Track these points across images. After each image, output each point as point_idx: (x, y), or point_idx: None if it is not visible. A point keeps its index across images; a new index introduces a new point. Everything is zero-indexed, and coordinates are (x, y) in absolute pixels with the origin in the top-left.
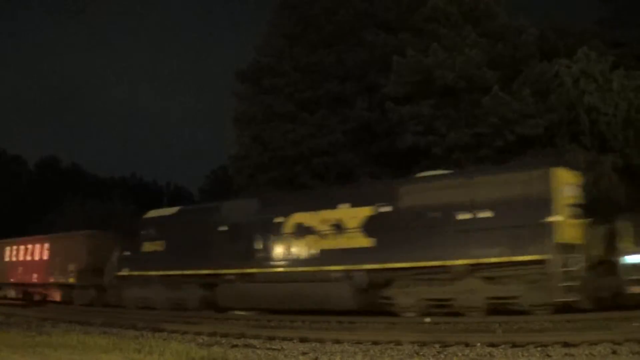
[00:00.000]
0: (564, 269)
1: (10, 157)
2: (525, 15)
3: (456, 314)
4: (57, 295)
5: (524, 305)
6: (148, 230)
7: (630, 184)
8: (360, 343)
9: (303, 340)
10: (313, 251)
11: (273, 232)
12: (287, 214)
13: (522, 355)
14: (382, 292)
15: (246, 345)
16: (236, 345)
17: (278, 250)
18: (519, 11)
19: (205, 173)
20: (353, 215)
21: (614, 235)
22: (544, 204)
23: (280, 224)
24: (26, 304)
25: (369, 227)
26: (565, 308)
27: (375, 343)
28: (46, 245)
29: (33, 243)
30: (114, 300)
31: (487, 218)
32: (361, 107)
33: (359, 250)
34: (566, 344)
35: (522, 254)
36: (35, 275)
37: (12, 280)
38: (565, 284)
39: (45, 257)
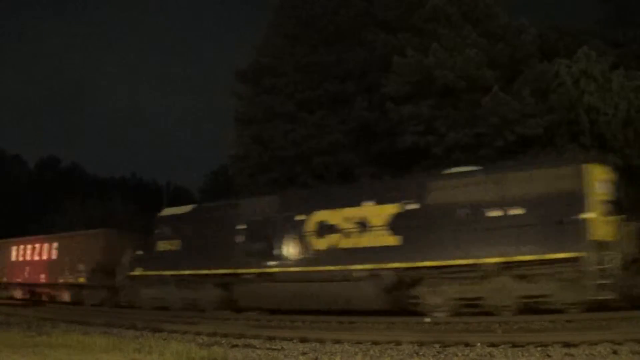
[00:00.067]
0: (599, 267)
1: (10, 157)
2: (525, 15)
3: (484, 313)
4: (65, 296)
5: (556, 304)
6: (162, 228)
7: (630, 184)
8: (360, 343)
9: (303, 340)
10: (336, 250)
11: (294, 230)
12: (308, 211)
13: (522, 355)
14: (409, 291)
15: (246, 345)
16: (236, 345)
17: (299, 249)
18: (519, 11)
19: (205, 173)
20: (378, 212)
21: None
22: (578, 201)
23: (301, 222)
24: (26, 303)
25: (395, 224)
26: (598, 306)
27: (375, 343)
28: (55, 245)
29: (41, 242)
30: (126, 301)
31: (519, 215)
32: (361, 107)
33: (385, 249)
34: (566, 344)
35: (556, 252)
36: (43, 276)
37: (18, 280)
38: (599, 282)
39: (53, 257)
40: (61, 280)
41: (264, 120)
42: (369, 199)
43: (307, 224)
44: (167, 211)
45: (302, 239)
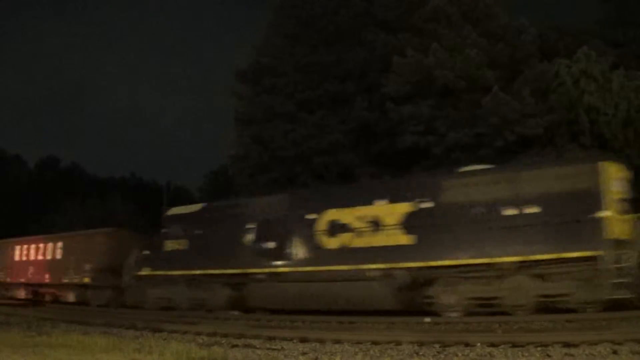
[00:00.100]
0: (616, 266)
1: (10, 157)
2: (525, 15)
3: (499, 313)
4: (70, 296)
5: (574, 303)
6: (170, 228)
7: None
8: (360, 343)
9: (303, 340)
10: (349, 249)
11: (305, 229)
12: (319, 210)
13: (522, 355)
14: (423, 291)
15: (246, 345)
16: (236, 345)
17: (311, 248)
18: (519, 11)
19: (205, 173)
20: (391, 211)
21: None
22: (594, 199)
23: (312, 220)
24: (26, 303)
25: (409, 223)
26: (615, 305)
27: (375, 343)
28: (59, 244)
29: (45, 242)
30: (133, 301)
31: (535, 213)
32: (361, 107)
33: (399, 248)
34: (566, 344)
35: (573, 251)
36: (47, 275)
37: (22, 280)
38: (616, 281)
39: (58, 257)
40: (66, 280)
41: (264, 120)
42: (381, 197)
43: (318, 223)
44: (175, 210)
45: (313, 238)
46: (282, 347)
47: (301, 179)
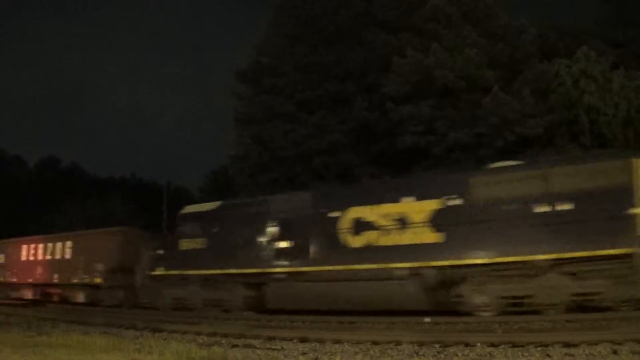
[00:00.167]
0: None
1: (10, 157)
2: (525, 15)
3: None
4: (80, 297)
5: (608, 301)
6: (186, 226)
7: None
8: (360, 343)
9: (303, 340)
10: (374, 247)
11: (328, 227)
12: (343, 208)
13: (522, 355)
14: (453, 290)
15: (246, 345)
16: (236, 345)
17: (334, 246)
18: (519, 11)
19: (205, 173)
20: (418, 209)
21: None
22: (628, 196)
23: (335, 219)
24: (26, 303)
25: (437, 221)
26: None
27: (375, 343)
28: (68, 244)
29: (53, 241)
30: (146, 302)
31: (567, 210)
32: (361, 107)
33: (427, 246)
34: (566, 344)
35: (607, 248)
36: (55, 276)
37: (29, 280)
38: None
39: (67, 256)
40: (75, 281)
41: (264, 120)
42: (408, 194)
43: (341, 221)
44: (190, 208)
45: (336, 237)
46: (282, 347)
47: (301, 179)
